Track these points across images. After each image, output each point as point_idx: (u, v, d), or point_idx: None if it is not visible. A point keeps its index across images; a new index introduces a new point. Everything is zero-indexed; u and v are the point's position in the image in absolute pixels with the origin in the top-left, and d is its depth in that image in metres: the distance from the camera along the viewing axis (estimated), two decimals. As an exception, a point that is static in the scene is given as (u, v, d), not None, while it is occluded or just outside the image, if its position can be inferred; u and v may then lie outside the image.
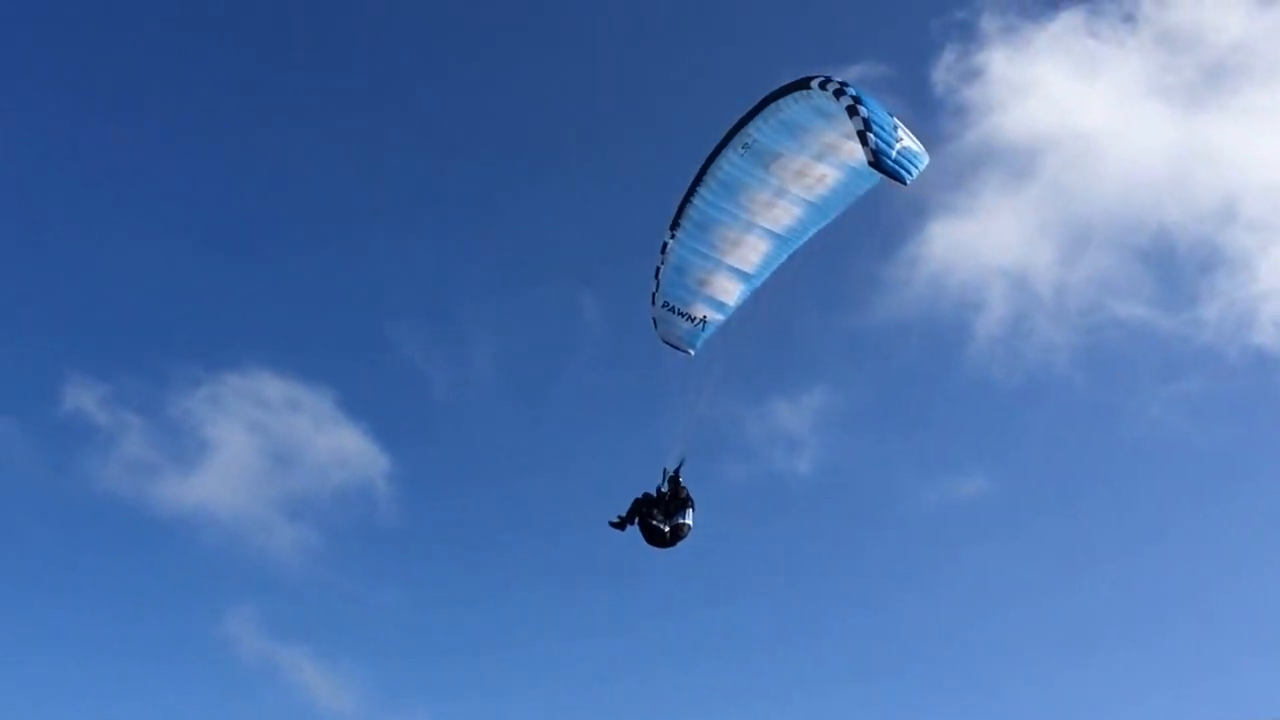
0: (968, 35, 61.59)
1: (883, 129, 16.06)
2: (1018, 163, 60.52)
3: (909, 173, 16.12)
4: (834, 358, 62.98)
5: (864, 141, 15.93)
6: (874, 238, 63.90)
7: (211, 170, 65.28)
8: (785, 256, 20.58)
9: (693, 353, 21.38)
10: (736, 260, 20.63)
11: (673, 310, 21.10)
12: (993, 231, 60.69)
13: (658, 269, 20.87)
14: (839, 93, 16.46)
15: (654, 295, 21.07)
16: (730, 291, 21.01)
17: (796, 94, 17.47)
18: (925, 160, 16.46)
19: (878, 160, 15.86)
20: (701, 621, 56.95)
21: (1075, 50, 60.34)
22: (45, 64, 64.40)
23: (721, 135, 19.16)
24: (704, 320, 21.21)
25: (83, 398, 55.78)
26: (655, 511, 19.17)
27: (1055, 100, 60.21)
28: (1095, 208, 59.99)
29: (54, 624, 54.00)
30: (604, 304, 61.65)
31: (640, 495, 19.47)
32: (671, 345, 21.37)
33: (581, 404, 62.57)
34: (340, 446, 57.69)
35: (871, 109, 16.17)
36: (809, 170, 19.06)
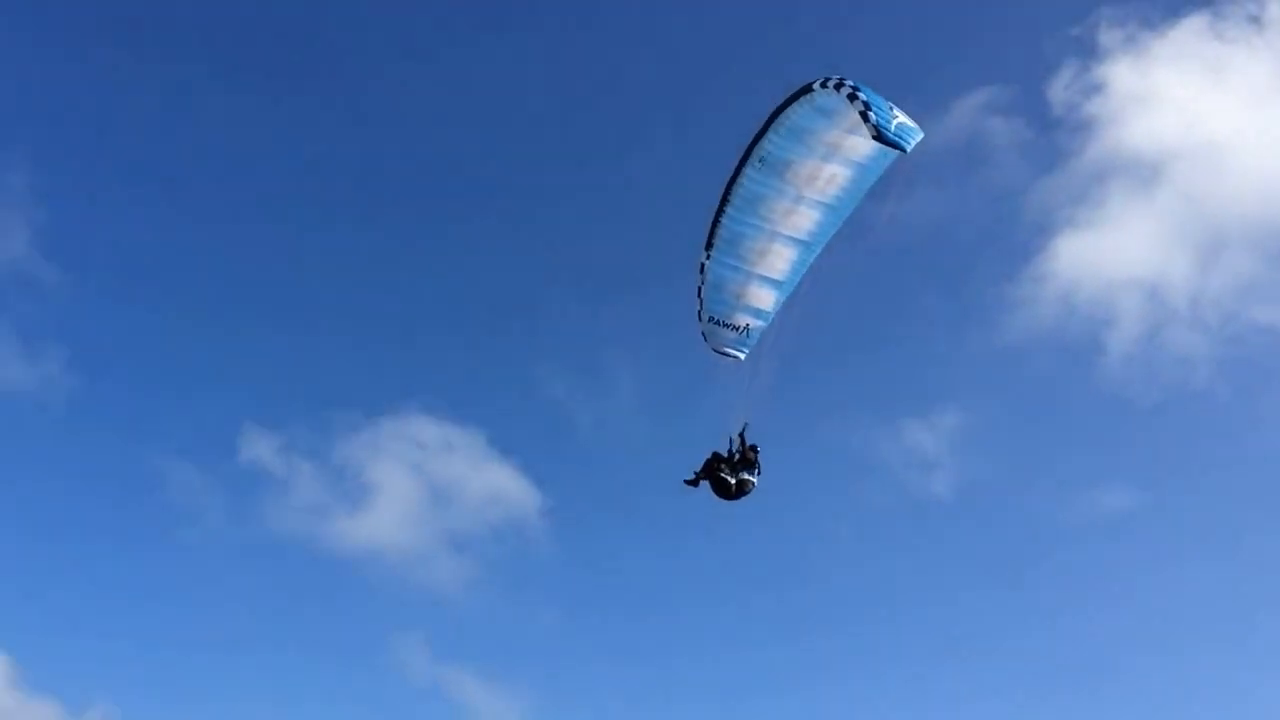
0: (1086, 50, 63.57)
1: (880, 110, 18.87)
2: (1145, 173, 61.11)
3: (907, 142, 18.86)
4: (966, 378, 65.17)
5: (866, 120, 18.69)
6: (1001, 257, 66.57)
7: (372, 238, 72.08)
8: (812, 259, 23.16)
9: (743, 357, 23.73)
10: (766, 269, 23.18)
11: (718, 323, 23.54)
12: (1122, 244, 61.49)
13: (699, 288, 23.39)
14: (839, 86, 19.31)
15: (699, 313, 23.53)
16: (766, 299, 23.51)
17: (801, 99, 20.32)
18: (920, 134, 19.21)
19: (880, 134, 18.61)
20: (850, 636, 58.89)
21: (1200, 56, 61.22)
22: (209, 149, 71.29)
23: (747, 154, 21.85)
24: (747, 328, 23.64)
25: (258, 447, 61.39)
26: (724, 467, 21.38)
27: (1181, 107, 60.82)
28: (1229, 213, 59.87)
29: (240, 656, 58.21)
30: None
31: (711, 455, 21.69)
32: (722, 354, 23.73)
33: (707, 431, 65.13)
34: (495, 483, 62.03)
35: (869, 94, 19.03)
36: (819, 173, 21.78)
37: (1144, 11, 65.30)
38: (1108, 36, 62.11)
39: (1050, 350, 63.11)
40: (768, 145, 21.46)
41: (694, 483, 21.83)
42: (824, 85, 19.75)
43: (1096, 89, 61.87)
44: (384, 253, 72.37)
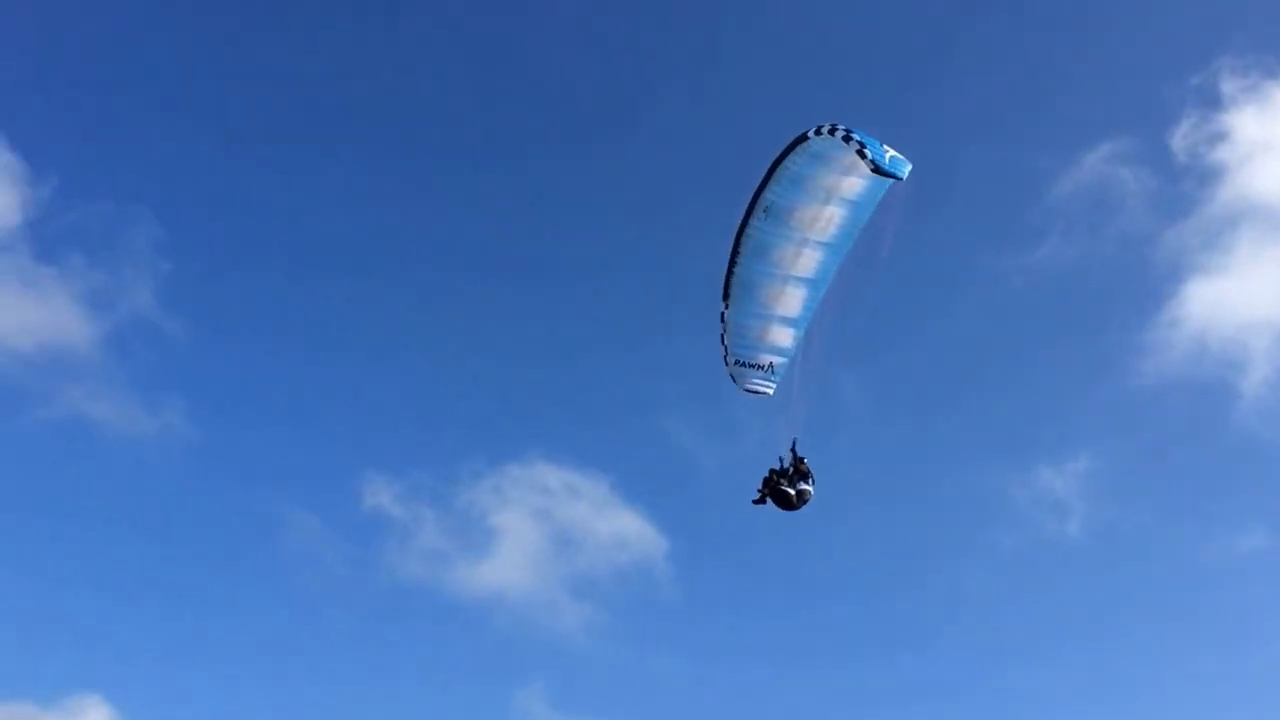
0: (1208, 99, 67.13)
1: (874, 146, 21.29)
2: (1273, 218, 64.34)
3: (901, 171, 21.26)
4: (1098, 422, 67.02)
5: (863, 157, 21.07)
6: (1132, 303, 69.40)
7: (493, 286, 74.44)
8: (821, 295, 25.32)
9: (771, 392, 25.67)
10: (782, 310, 25.31)
11: (744, 364, 25.56)
12: (1252, 288, 63.92)
13: (722, 336, 25.43)
14: (833, 131, 21.72)
15: (725, 358, 25.53)
16: (785, 337, 25.60)
17: (798, 148, 22.69)
18: (909, 165, 21.62)
19: (878, 167, 21.00)
20: (986, 680, 59.13)
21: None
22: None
23: (750, 205, 24.07)
24: (771, 366, 25.67)
25: (381, 495, 62.59)
26: (782, 481, 23.19)
27: (1305, 154, 61.35)
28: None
29: (361, 704, 58.13)
30: (863, 384, 67.12)
31: (769, 472, 23.51)
32: (751, 392, 25.68)
33: (842, 480, 66.32)
34: (619, 529, 62.99)
35: (861, 135, 21.46)
36: (819, 215, 24.07)
37: (1265, 60, 67.71)
38: (1230, 85, 65.17)
39: (1182, 394, 64.87)
40: (770, 195, 23.73)
41: (760, 500, 23.65)
42: (818, 133, 22.14)
43: (1220, 137, 65.03)
44: (506, 300, 74.87)
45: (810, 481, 23.91)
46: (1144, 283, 69.10)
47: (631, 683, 59.94)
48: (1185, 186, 66.79)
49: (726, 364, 25.61)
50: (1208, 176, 65.67)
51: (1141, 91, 74.58)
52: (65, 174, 70.53)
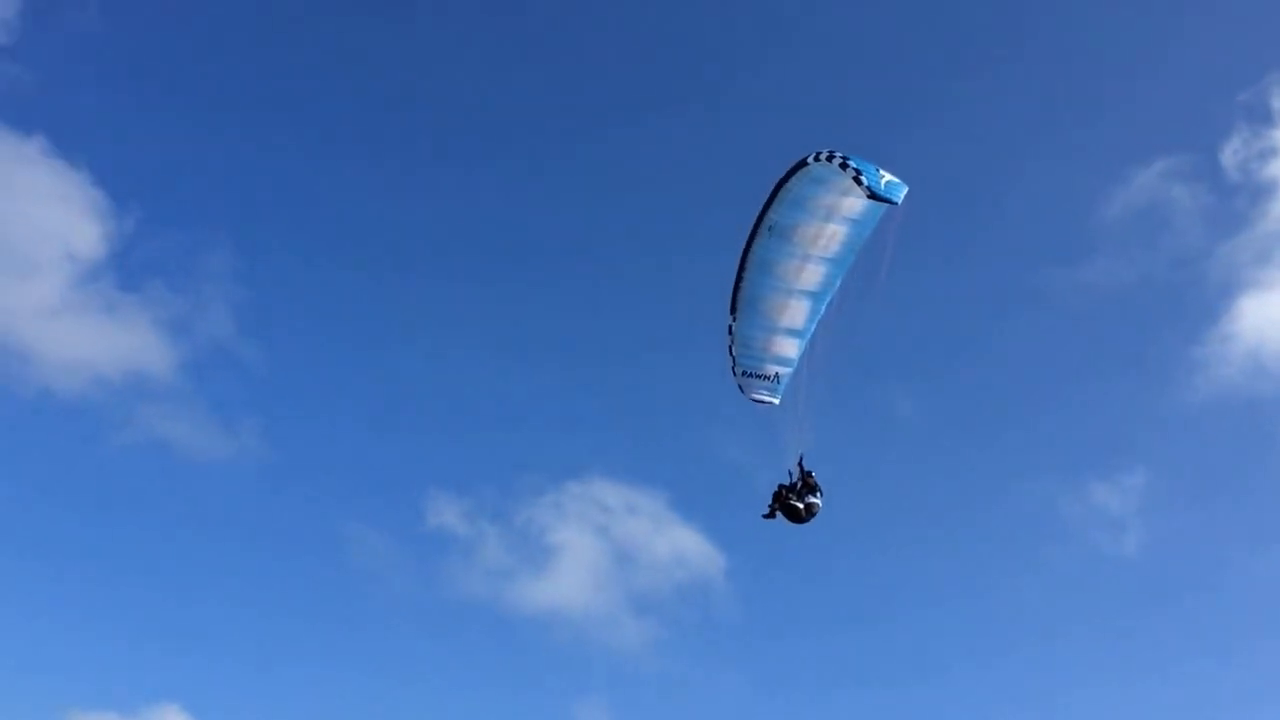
0: (1257, 116, 67.84)
1: (870, 173, 22.14)
2: None
3: (896, 196, 22.12)
4: (1153, 438, 67.47)
5: (859, 184, 21.94)
6: (1185, 319, 69.79)
7: (551, 307, 76.98)
8: (824, 307, 26.25)
9: (776, 402, 26.68)
10: (787, 322, 26.26)
11: (750, 375, 26.56)
12: None
13: (730, 348, 26.42)
14: (830, 157, 22.59)
15: (733, 369, 26.54)
16: (790, 347, 26.55)
17: (799, 172, 23.58)
18: (905, 188, 22.45)
19: (873, 193, 21.87)
20: (1047, 698, 59.21)
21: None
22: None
23: (757, 225, 24.96)
24: (777, 376, 26.65)
25: (445, 513, 64.43)
26: (791, 496, 24.24)
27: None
28: None
29: (427, 716, 60.34)
30: (918, 401, 68.53)
31: (778, 487, 24.57)
32: (757, 401, 26.70)
33: (897, 497, 67.85)
34: (678, 546, 64.00)
35: (858, 162, 22.32)
36: (821, 232, 24.97)
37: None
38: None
39: (1237, 409, 65.35)
40: (774, 215, 24.65)
41: (770, 515, 24.75)
42: (817, 158, 23.01)
43: (1272, 152, 65.57)
44: (565, 318, 76.93)
45: (818, 494, 24.93)
46: (1197, 299, 69.61)
47: (690, 699, 61.08)
48: (1237, 203, 67.08)
49: (734, 374, 26.63)
50: (1259, 192, 66.20)
51: (1192, 108, 75.10)
52: (146, 207, 73.61)
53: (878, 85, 78.89)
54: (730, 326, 26.31)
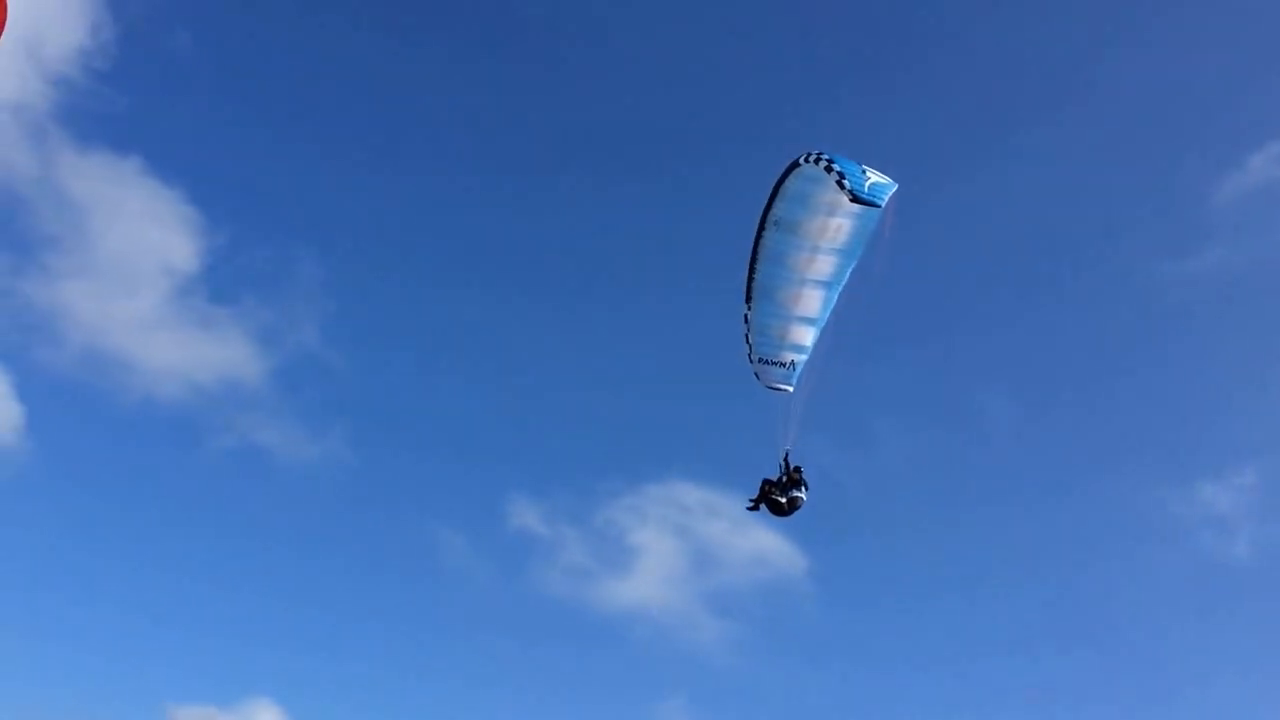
0: None
1: (853, 176, 22.64)
2: None
3: (880, 198, 22.59)
4: (1264, 436, 65.67)
5: (841, 187, 22.50)
6: None
7: (632, 308, 79.06)
8: (836, 295, 26.81)
9: (791, 389, 27.50)
10: (801, 310, 26.96)
11: (766, 362, 27.41)
12: None
13: (746, 336, 27.32)
14: (817, 160, 23.15)
15: (749, 356, 27.44)
16: (805, 335, 27.27)
17: (793, 172, 24.21)
18: (892, 187, 22.84)
19: (856, 197, 22.40)
20: (1150, 703, 58.58)
21: None
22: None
23: (763, 220, 25.64)
24: (792, 363, 27.43)
25: (526, 515, 66.59)
26: (775, 490, 25.24)
27: None
28: None
29: (511, 714, 62.41)
30: (1017, 399, 67.72)
31: (763, 482, 25.59)
32: (773, 388, 27.56)
33: (992, 497, 67.45)
34: (758, 546, 64.77)
35: (841, 164, 22.83)
36: (827, 226, 25.51)
37: None
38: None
39: None
40: (778, 211, 25.35)
41: (754, 508, 25.83)
42: (806, 160, 23.60)
43: None
44: (642, 320, 78.63)
45: (803, 489, 25.80)
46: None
47: (772, 699, 61.25)
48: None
49: (751, 362, 27.54)
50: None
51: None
52: (236, 222, 77.00)
53: (988, 73, 76.07)
54: (745, 315, 27.17)
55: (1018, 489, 67.69)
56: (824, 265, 26.37)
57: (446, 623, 66.69)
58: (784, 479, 25.89)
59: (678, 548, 66.02)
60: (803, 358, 27.45)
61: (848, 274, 26.60)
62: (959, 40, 78.03)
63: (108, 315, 72.38)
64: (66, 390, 71.24)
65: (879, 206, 22.58)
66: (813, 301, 26.93)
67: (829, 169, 22.83)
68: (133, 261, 73.78)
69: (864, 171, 23.00)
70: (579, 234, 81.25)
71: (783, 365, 27.48)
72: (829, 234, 25.77)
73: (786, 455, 26.33)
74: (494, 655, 64.79)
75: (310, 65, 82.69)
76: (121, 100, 74.50)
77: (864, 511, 67.49)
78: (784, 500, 25.56)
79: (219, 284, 74.54)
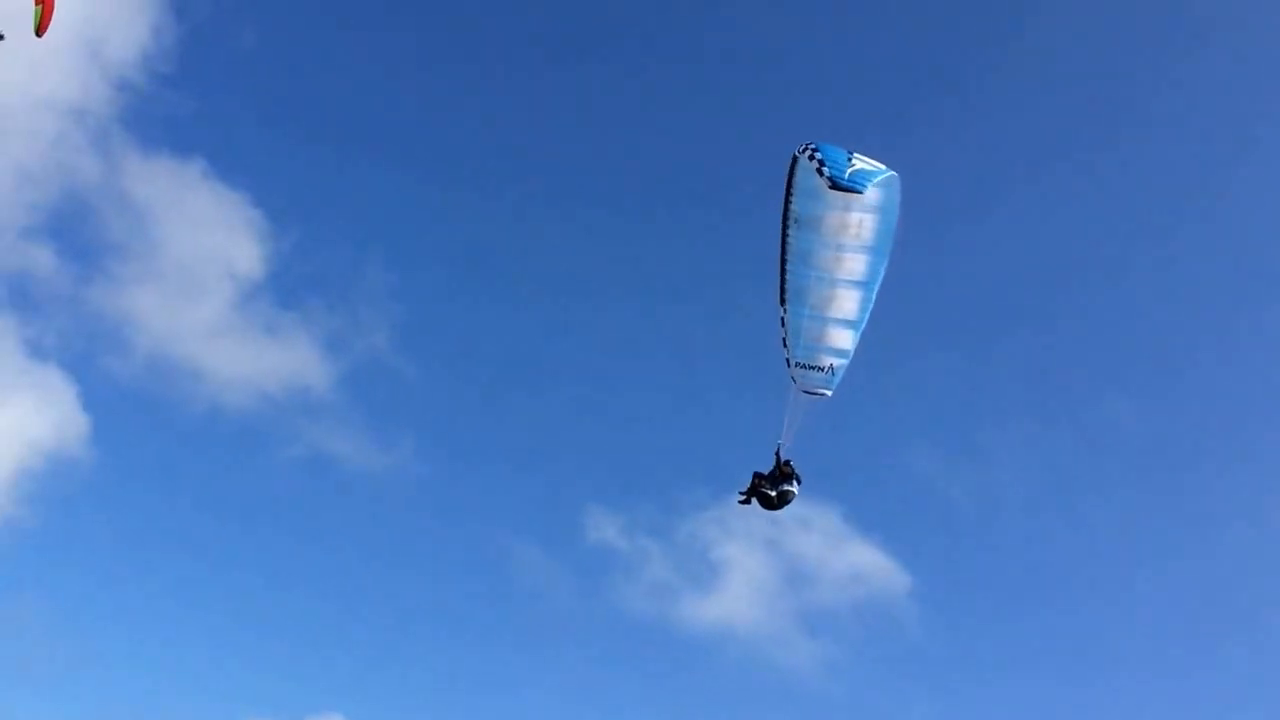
0: None
1: (835, 164, 22.28)
2: None
3: (862, 186, 22.06)
4: None
5: (821, 175, 22.16)
6: None
7: (714, 313, 76.88)
8: (873, 296, 25.94)
9: (829, 394, 26.73)
10: (836, 312, 26.29)
11: (805, 366, 26.82)
12: None
13: (783, 339, 26.88)
14: (804, 150, 22.91)
15: (788, 360, 26.95)
16: (844, 338, 26.53)
17: (794, 167, 23.96)
18: (879, 174, 22.23)
19: (834, 183, 22.00)
20: None
21: None
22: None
23: (783, 216, 25.37)
24: (831, 367, 26.71)
25: (605, 528, 64.68)
26: (765, 484, 24.58)
27: None
28: None
29: None
30: (1141, 408, 63.49)
31: (754, 475, 25.02)
32: (810, 394, 26.90)
33: (1115, 511, 63.08)
34: (855, 563, 61.63)
35: (825, 151, 22.50)
36: (847, 222, 24.87)
37: None
38: None
39: None
40: (794, 207, 24.99)
41: (745, 501, 25.36)
42: (802, 152, 23.36)
43: None
44: (725, 323, 75.94)
45: (794, 483, 25.03)
46: None
47: None
48: None
49: (788, 366, 27.03)
50: None
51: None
52: (303, 226, 76.32)
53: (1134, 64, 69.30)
54: (782, 318, 26.78)
55: (1139, 497, 60.20)
56: (854, 265, 25.67)
57: (521, 639, 64.70)
58: (775, 472, 25.27)
59: (768, 563, 62.78)
60: (843, 362, 26.69)
61: (881, 274, 25.75)
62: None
63: (173, 322, 71.07)
64: (132, 400, 69.99)
65: (859, 193, 21.96)
66: (848, 303, 26.20)
67: (812, 157, 22.52)
68: (198, 267, 72.30)
69: (850, 159, 22.53)
70: (658, 241, 79.25)
71: (821, 370, 26.80)
72: (851, 231, 25.12)
73: (778, 450, 25.67)
74: (573, 674, 62.75)
75: (378, 66, 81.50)
76: (185, 103, 74.06)
77: (972, 526, 62.59)
78: (774, 494, 24.99)
79: (286, 289, 72.90)
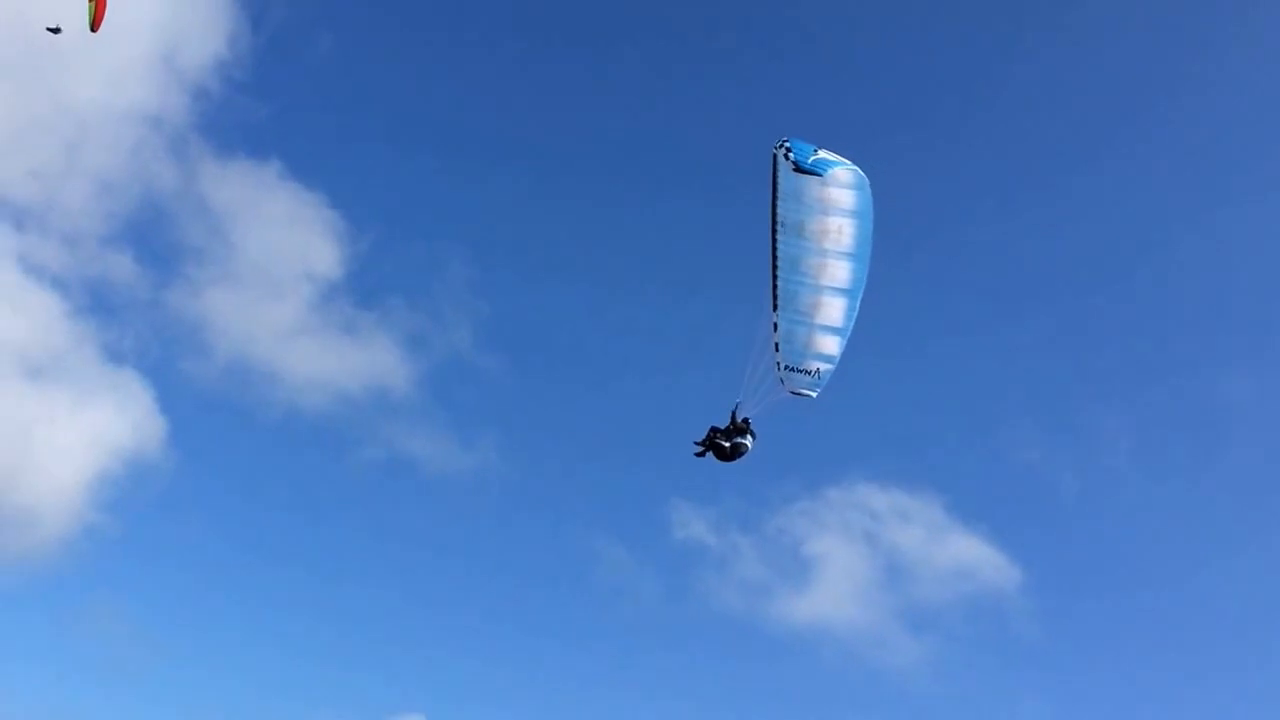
0: None
1: (800, 153, 25.06)
2: None
3: (822, 171, 24.67)
4: None
5: (787, 159, 24.96)
6: None
7: None
8: (857, 304, 27.91)
9: (815, 395, 28.41)
10: (823, 319, 28.35)
11: (793, 369, 28.75)
12: None
13: (776, 344, 28.92)
14: (779, 144, 25.71)
15: (778, 363, 28.90)
16: (831, 344, 28.52)
17: (775, 169, 26.69)
18: (837, 164, 24.87)
19: (798, 166, 24.73)
20: None
21: None
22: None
23: (771, 221, 27.90)
24: (818, 371, 28.58)
25: (693, 524, 64.68)
26: (720, 437, 26.18)
27: None
28: None
29: None
30: (1258, 386, 60.49)
31: (710, 429, 26.61)
32: (796, 394, 28.64)
33: (1242, 494, 60.04)
34: (960, 556, 60.03)
35: (794, 143, 25.29)
36: (827, 227, 27.33)
37: None
38: None
39: None
40: (779, 211, 27.57)
41: (701, 454, 26.95)
42: (778, 147, 26.15)
43: None
44: None
45: (749, 437, 26.60)
46: None
47: None
48: None
49: (778, 369, 28.94)
50: None
51: None
52: (381, 225, 78.11)
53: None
54: (775, 324, 28.90)
55: (1261, 479, 55.63)
56: (837, 271, 27.88)
57: (609, 637, 64.01)
58: (731, 428, 26.87)
59: (865, 557, 60.94)
60: (829, 366, 28.53)
61: (864, 280, 27.77)
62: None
63: (251, 324, 73.10)
64: (210, 402, 72.15)
65: (820, 176, 24.50)
66: (835, 311, 28.26)
67: (780, 145, 25.26)
68: (276, 268, 74.52)
69: (816, 150, 25.16)
70: (745, 235, 79.20)
71: (808, 373, 28.64)
72: (832, 236, 27.46)
73: (735, 408, 27.29)
74: (664, 672, 61.52)
75: (453, 67, 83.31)
76: (261, 108, 77.35)
77: (1082, 516, 58.33)
78: (728, 445, 26.54)
79: (364, 288, 74.80)
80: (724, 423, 27.96)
